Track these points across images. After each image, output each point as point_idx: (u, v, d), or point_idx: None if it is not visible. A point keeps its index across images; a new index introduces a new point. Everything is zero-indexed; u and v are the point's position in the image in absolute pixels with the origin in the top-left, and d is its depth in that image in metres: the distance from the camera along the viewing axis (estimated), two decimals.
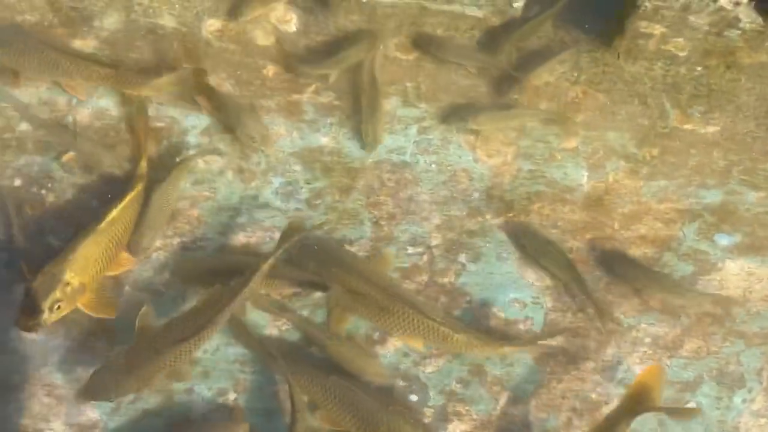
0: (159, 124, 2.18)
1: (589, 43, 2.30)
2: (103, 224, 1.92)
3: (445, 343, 1.94)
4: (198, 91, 2.17)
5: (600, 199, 2.19)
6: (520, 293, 2.09)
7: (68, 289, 1.82)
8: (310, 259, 2.01)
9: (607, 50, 2.27)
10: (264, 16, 2.30)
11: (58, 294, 1.80)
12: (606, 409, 1.97)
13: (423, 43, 2.29)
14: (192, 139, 2.18)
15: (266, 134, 2.17)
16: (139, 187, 2.03)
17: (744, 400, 2.07)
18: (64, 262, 1.85)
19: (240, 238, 2.10)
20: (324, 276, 1.97)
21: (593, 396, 2.02)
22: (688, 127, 2.27)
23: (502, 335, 2.04)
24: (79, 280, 1.85)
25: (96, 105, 2.19)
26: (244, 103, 2.19)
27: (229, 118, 2.17)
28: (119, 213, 1.95)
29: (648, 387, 1.82)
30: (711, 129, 2.27)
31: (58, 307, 1.81)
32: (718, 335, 2.10)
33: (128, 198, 1.99)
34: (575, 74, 2.29)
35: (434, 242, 2.13)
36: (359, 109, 2.21)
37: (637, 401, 1.81)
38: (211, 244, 2.09)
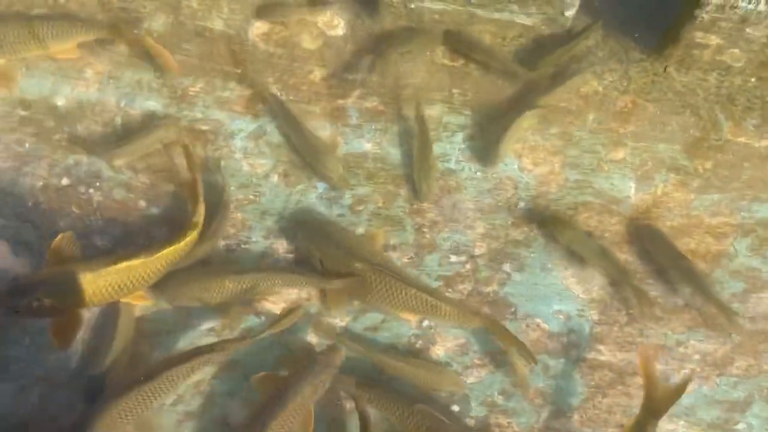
0: (204, 127, 2.21)
1: (640, 52, 2.26)
2: (139, 260, 1.82)
3: (433, 313, 1.95)
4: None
5: (648, 212, 2.15)
6: (565, 305, 2.06)
7: (35, 304, 1.77)
8: (302, 234, 2.06)
9: (657, 60, 2.23)
10: (303, 21, 2.31)
11: (25, 302, 1.77)
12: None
13: (453, 42, 2.28)
14: (238, 142, 2.19)
15: (343, 174, 2.16)
16: (192, 237, 1.93)
17: None
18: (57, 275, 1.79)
19: (283, 243, 2.11)
20: (314, 250, 2.01)
21: None
22: (741, 139, 2.21)
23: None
24: (52, 303, 1.78)
25: (143, 106, 2.22)
26: (327, 142, 2.18)
27: (308, 154, 2.16)
28: (159, 258, 1.86)
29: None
30: (765, 142, 2.21)
31: (17, 312, 1.79)
32: None
33: (177, 245, 1.88)
34: (624, 83, 2.25)
35: (478, 251, 2.11)
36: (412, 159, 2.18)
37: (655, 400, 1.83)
38: (256, 248, 2.09)
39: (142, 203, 2.12)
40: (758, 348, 2.04)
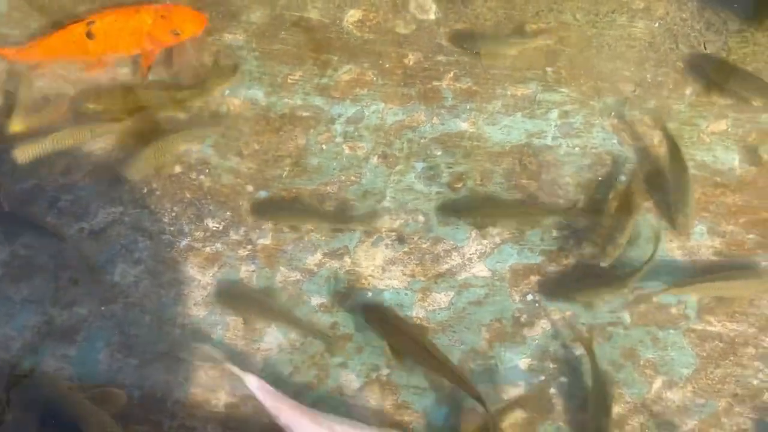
0: (305, 113, 2.29)
1: (740, 22, 2.24)
2: None
3: None
4: None
5: (754, 183, 2.12)
6: (675, 277, 2.04)
7: None
8: None
9: (758, 29, 2.21)
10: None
11: None
12: None
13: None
14: (338, 127, 2.26)
15: None
16: None
17: None
18: None
19: (386, 221, 2.16)
20: None
21: (755, 382, 1.96)
22: None
23: None
24: None
25: (246, 95, 2.31)
26: None
27: None
28: None
29: None
30: None
31: None
32: None
33: None
34: (723, 55, 2.23)
35: (581, 226, 2.13)
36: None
37: None
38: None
39: (250, 188, 2.21)
40: None
